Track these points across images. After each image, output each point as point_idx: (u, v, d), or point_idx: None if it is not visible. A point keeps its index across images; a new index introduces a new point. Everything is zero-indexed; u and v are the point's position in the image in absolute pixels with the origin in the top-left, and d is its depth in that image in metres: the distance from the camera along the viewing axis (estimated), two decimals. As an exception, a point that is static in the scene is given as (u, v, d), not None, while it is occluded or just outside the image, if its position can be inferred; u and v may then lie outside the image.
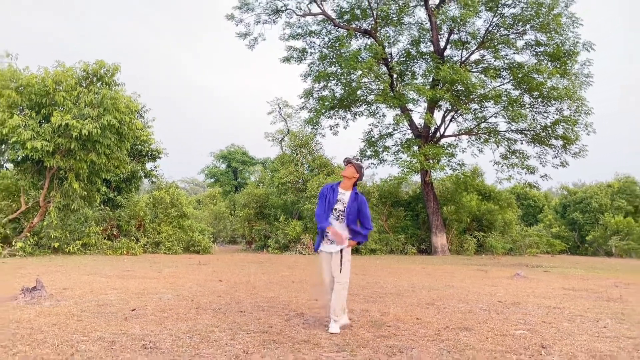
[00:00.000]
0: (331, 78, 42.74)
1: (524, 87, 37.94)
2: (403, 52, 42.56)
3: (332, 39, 43.05)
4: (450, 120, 41.61)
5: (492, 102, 38.80)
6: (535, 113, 39.43)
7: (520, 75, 37.27)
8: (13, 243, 25.96)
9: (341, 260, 9.02)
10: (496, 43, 38.36)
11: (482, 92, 38.10)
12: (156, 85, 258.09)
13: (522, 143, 40.50)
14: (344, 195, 9.22)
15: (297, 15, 43.53)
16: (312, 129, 44.55)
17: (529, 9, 36.45)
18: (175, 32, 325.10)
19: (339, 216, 9.17)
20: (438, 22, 39.01)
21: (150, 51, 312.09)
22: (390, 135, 43.68)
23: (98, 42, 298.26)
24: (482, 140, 41.07)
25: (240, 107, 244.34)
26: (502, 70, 39.57)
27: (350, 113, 44.60)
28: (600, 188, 63.51)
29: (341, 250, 9.04)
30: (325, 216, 9.23)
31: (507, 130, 40.28)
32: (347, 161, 9.35)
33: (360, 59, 38.17)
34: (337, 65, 41.64)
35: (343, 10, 42.31)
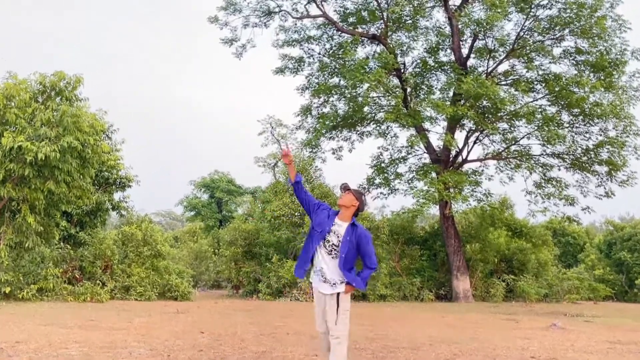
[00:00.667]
0: (333, 92, 42.66)
1: (562, 102, 37.89)
2: (418, 61, 42.55)
3: (335, 46, 43.12)
4: (475, 142, 41.66)
5: (524, 120, 38.65)
6: (575, 134, 39.40)
7: (557, 89, 37.15)
8: (-44, 287, 25.96)
9: (337, 309, 8.85)
10: (529, 51, 38.43)
11: (512, 109, 38.07)
12: (125, 102, 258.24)
13: (559, 169, 40.45)
14: (340, 227, 9.01)
15: (293, 17, 43.65)
16: (310, 152, 44.46)
17: (568, 11, 36.38)
18: (145, 36, 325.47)
19: (331, 251, 8.97)
20: (460, 26, 39.16)
21: (118, 63, 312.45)
22: (404, 159, 43.60)
23: (55, 50, 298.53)
24: (512, 165, 41.01)
25: (226, 127, 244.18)
26: (535, 83, 39.59)
27: (355, 133, 44.56)
28: (653, 223, 63.44)
29: (337, 296, 8.89)
30: (311, 248, 9.22)
31: (542, 154, 40.26)
32: (345, 187, 9.20)
33: (367, 70, 38.11)
34: (340, 76, 41.65)
35: (347, 12, 42.37)
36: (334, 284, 8.91)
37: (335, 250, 8.95)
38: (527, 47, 38.41)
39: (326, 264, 9.00)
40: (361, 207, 9.23)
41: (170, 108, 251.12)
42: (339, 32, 42.66)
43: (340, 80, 42.00)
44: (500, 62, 40.11)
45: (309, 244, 9.25)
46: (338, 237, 8.95)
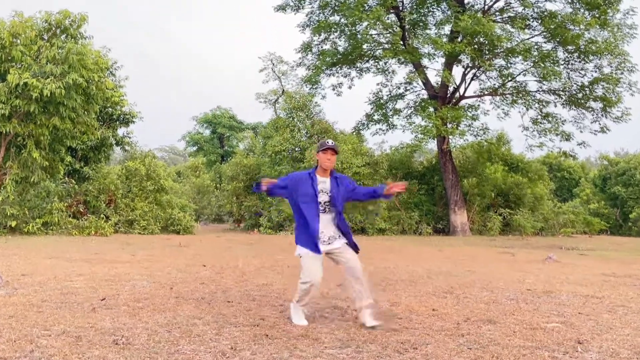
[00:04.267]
0: (333, 29, 42.40)
1: (558, 40, 37.79)
2: (416, -2, 42.22)
3: (335, -16, 42.77)
4: (472, 79, 41.60)
5: (520, 57, 38.59)
6: (571, 70, 39.36)
7: (552, 27, 37.09)
8: (-37, 222, 25.99)
9: (355, 251, 8.93)
10: (525, -13, 38.18)
11: (509, 46, 37.93)
12: (128, 39, 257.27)
13: (555, 105, 40.53)
14: (325, 184, 8.95)
15: (294, -47, 43.25)
16: (310, 88, 44.31)
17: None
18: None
19: (325, 208, 8.90)
20: (458, -38, 38.89)
21: (124, 13, 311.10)
22: (402, 96, 43.56)
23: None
24: (509, 101, 40.98)
25: (228, 64, 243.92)
26: (531, 20, 39.43)
27: (355, 70, 44.38)
28: (646, 158, 63.46)
29: (348, 245, 8.89)
30: (313, 215, 8.87)
31: (538, 91, 40.24)
32: (331, 148, 8.91)
33: (366, 8, 37.94)
34: (340, 14, 41.34)
35: (346, -51, 41.98)
36: (333, 237, 8.88)
37: (328, 206, 8.90)
38: (524, -16, 38.14)
39: (322, 223, 8.89)
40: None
41: (172, 47, 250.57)
42: (339, -31, 42.26)
43: (340, 17, 41.68)
44: (497, -1, 39.87)
45: (308, 214, 8.89)
46: (327, 193, 8.89)
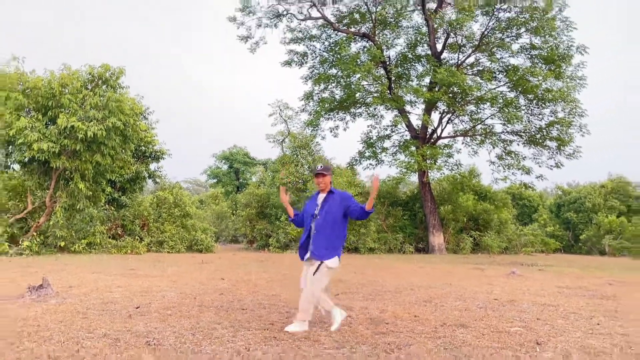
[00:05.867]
0: (331, 80, 42.70)
1: (519, 89, 37.97)
2: (400, 55, 42.60)
3: (332, 43, 42.99)
4: (447, 122, 41.77)
5: (488, 104, 38.81)
6: (531, 115, 39.51)
7: (515, 78, 37.34)
8: (20, 242, 25.94)
9: (317, 269, 8.39)
10: (492, 46, 38.46)
11: (478, 94, 38.21)
12: (159, 88, 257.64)
13: (517, 144, 40.52)
14: (320, 199, 8.73)
15: (298, 19, 43.49)
16: (312, 130, 44.36)
17: (524, 13, 36.55)
18: (178, 34, 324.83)
19: (318, 221, 8.58)
20: (435, 26, 39.14)
21: (153, 53, 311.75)
22: (389, 137, 43.68)
23: (100, 45, 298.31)
24: (478, 141, 41.06)
25: (242, 109, 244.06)
26: (497, 72, 39.72)
27: (349, 115, 44.49)
28: (594, 188, 63.60)
29: (320, 263, 8.43)
30: (306, 226, 8.78)
31: (503, 132, 40.31)
32: (318, 172, 8.75)
33: (359, 62, 38.27)
34: (336, 68, 41.55)
35: (342, 14, 42.27)
36: (316, 254, 8.48)
37: (319, 218, 8.54)
38: (490, 44, 38.41)
39: (314, 234, 8.56)
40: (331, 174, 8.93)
41: (196, 95, 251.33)
42: (336, 32, 42.52)
43: (337, 71, 41.86)
44: (468, 55, 40.11)
45: (306, 226, 8.78)
46: (319, 207, 8.62)
